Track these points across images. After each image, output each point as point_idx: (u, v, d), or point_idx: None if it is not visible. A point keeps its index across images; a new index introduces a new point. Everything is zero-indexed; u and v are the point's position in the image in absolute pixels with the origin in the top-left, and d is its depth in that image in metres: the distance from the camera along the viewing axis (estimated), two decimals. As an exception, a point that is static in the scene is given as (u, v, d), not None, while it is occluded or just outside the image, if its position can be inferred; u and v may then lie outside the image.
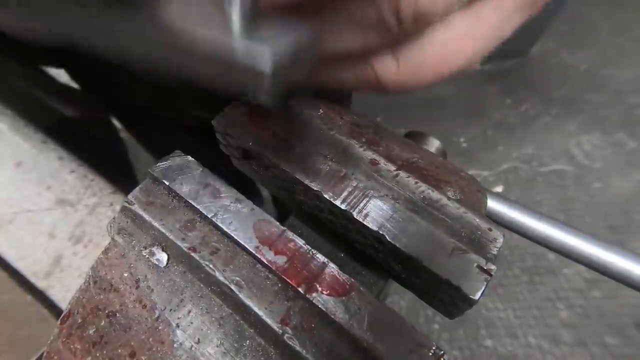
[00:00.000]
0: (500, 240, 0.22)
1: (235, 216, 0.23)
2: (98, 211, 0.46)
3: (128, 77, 0.57)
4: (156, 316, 0.21)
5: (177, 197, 0.24)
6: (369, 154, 0.26)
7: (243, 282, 0.21)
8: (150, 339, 0.21)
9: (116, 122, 1.17)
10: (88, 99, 1.00)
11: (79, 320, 0.22)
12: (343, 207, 0.23)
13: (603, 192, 1.84)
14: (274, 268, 0.21)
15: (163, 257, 0.23)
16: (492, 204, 0.34)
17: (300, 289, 0.20)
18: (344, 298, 0.20)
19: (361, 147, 0.26)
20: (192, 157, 0.25)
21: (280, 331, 0.19)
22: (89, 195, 0.47)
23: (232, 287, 0.20)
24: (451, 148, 2.07)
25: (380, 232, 0.22)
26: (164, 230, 0.22)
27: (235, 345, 0.20)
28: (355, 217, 0.23)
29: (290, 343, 0.19)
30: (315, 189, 0.24)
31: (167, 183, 0.24)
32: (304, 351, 0.19)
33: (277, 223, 0.23)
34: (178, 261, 0.23)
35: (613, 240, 0.31)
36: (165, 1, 0.17)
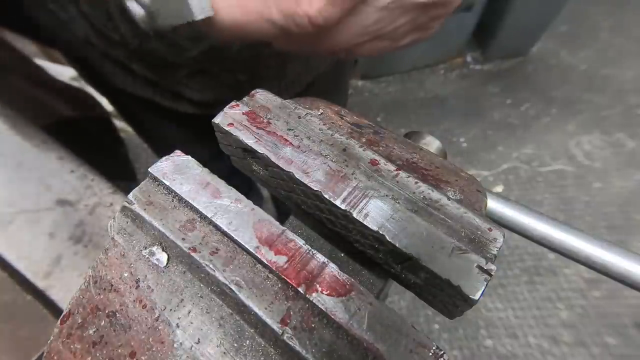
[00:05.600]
0: (500, 240, 0.22)
1: (235, 216, 0.23)
2: (98, 211, 0.46)
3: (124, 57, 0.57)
4: (156, 316, 0.21)
5: (177, 197, 0.24)
6: (369, 154, 0.26)
7: (243, 282, 0.21)
8: (150, 339, 0.21)
9: (116, 122, 1.17)
10: (88, 99, 1.00)
11: (79, 320, 0.22)
12: (343, 207, 0.23)
13: (603, 192, 1.84)
14: (274, 268, 0.21)
15: (163, 257, 0.23)
16: (492, 204, 0.34)
17: (300, 289, 0.20)
18: (344, 298, 0.20)
19: (361, 147, 0.26)
20: (192, 156, 0.25)
21: (280, 331, 0.19)
22: (89, 195, 0.47)
23: (232, 287, 0.20)
24: (451, 148, 2.07)
25: (380, 232, 0.22)
26: (164, 230, 0.22)
27: (235, 345, 0.20)
28: (355, 217, 0.22)
29: (290, 343, 0.19)
30: (315, 189, 0.24)
31: (167, 183, 0.24)
32: (304, 351, 0.19)
33: (277, 223, 0.23)
34: (178, 261, 0.23)
35: (613, 240, 0.31)
36: None
